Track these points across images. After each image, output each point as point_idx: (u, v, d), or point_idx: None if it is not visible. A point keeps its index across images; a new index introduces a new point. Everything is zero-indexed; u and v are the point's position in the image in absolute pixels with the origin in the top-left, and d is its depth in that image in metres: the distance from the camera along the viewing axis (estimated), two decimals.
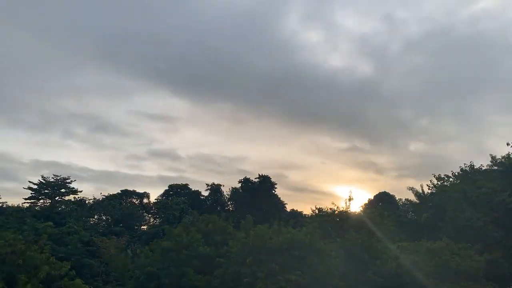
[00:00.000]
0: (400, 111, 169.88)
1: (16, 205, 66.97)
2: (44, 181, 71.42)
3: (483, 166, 58.24)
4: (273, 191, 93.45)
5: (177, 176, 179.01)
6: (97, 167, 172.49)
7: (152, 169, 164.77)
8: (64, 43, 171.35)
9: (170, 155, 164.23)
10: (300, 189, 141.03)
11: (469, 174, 58.43)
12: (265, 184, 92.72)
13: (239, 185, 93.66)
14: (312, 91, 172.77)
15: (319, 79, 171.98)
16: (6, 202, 65.47)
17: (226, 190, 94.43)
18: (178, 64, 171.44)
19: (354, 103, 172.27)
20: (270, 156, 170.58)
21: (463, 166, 60.23)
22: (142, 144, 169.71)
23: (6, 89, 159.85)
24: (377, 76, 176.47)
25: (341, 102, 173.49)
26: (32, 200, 70.77)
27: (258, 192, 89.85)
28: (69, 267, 30.16)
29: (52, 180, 72.23)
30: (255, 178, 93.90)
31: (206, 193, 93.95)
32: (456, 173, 60.61)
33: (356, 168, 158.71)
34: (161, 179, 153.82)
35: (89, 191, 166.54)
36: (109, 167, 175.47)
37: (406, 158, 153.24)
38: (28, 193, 70.78)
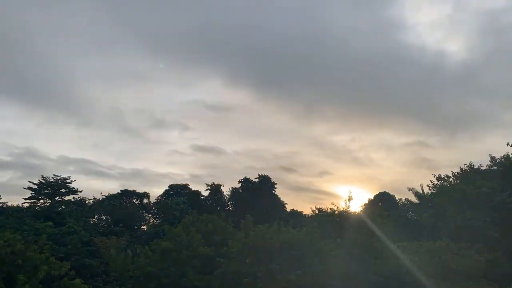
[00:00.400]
0: (490, 103, 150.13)
1: (16, 205, 67.03)
2: (44, 181, 71.49)
3: (482, 166, 58.33)
4: (273, 191, 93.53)
5: (207, 174, 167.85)
6: (128, 165, 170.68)
7: (191, 165, 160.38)
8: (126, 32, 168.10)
9: (214, 150, 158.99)
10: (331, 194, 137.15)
11: (469, 174, 58.47)
12: (265, 184, 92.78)
13: (239, 185, 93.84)
14: (403, 79, 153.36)
15: (419, 64, 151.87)
16: (6, 202, 65.52)
17: (226, 190, 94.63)
18: (250, 50, 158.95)
19: (440, 91, 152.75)
20: (322, 152, 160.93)
21: (463, 166, 60.32)
22: (189, 138, 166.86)
23: (62, 82, 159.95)
24: (484, 61, 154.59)
25: (426, 90, 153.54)
26: (32, 200, 70.84)
27: (258, 192, 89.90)
28: (69, 267, 30.13)
29: (52, 180, 72.31)
30: (255, 178, 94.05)
31: (206, 193, 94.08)
32: (456, 173, 60.67)
33: (408, 165, 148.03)
34: (192, 177, 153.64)
35: (111, 188, 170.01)
36: (142, 164, 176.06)
37: (473, 155, 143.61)
38: (28, 193, 70.97)
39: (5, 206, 64.43)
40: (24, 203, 69.83)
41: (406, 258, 35.00)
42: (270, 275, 32.38)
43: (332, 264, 33.58)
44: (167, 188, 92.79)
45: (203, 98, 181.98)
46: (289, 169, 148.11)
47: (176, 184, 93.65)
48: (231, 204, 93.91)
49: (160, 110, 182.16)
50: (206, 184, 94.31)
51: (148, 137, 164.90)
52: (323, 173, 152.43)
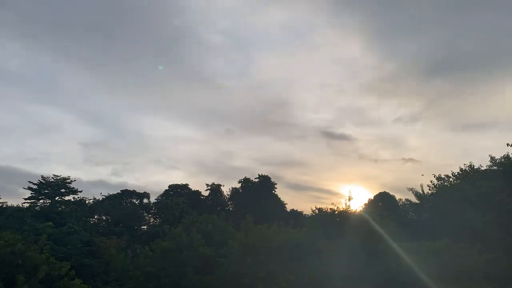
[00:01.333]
0: None
1: (16, 205, 67.02)
2: (44, 181, 71.56)
3: (482, 166, 58.25)
4: (273, 191, 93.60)
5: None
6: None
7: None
8: None
9: (343, 137, 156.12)
10: None
11: (469, 174, 58.44)
12: (265, 184, 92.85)
13: (239, 185, 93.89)
14: None
15: None
16: (6, 202, 65.49)
17: (226, 190, 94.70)
18: None
19: None
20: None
21: (463, 166, 60.29)
22: (322, 124, 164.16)
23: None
24: None
25: None
26: (32, 200, 70.91)
27: (258, 192, 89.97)
28: (69, 267, 30.09)
29: (52, 180, 72.37)
30: (255, 178, 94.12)
31: (206, 193, 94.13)
32: (456, 173, 60.64)
33: None
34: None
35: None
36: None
37: None
38: (28, 193, 71.02)
39: (5, 206, 64.39)
40: (24, 203, 69.96)
41: (406, 258, 34.99)
42: (270, 275, 32.38)
43: (332, 264, 33.57)
44: (167, 188, 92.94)
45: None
46: (410, 160, 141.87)
47: (176, 184, 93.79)
48: (231, 204, 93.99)
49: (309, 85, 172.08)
50: (206, 184, 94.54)
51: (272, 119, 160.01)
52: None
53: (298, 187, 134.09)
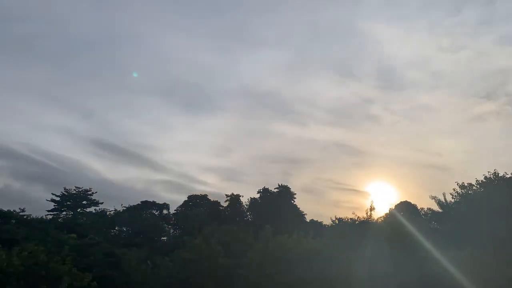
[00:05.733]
0: None
1: (39, 217, 68.20)
2: (66, 193, 72.87)
3: (507, 174, 56.81)
4: (292, 201, 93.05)
5: None
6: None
7: None
8: None
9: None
10: None
11: (493, 182, 57.04)
12: (285, 194, 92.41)
13: (258, 195, 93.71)
14: None
15: None
16: (30, 214, 66.76)
17: (245, 201, 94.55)
18: None
19: None
20: None
21: (487, 174, 58.90)
22: None
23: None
24: None
25: None
26: (55, 212, 72.19)
27: (277, 202, 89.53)
28: (90, 278, 30.49)
29: (74, 192, 73.62)
30: (275, 188, 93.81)
31: (225, 204, 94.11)
32: (480, 181, 59.26)
33: None
34: None
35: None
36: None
37: None
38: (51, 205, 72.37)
39: (29, 218, 65.63)
40: (48, 214, 71.23)
41: (429, 269, 34.28)
42: (289, 286, 32.10)
43: (353, 275, 33.10)
44: (186, 199, 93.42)
45: None
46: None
47: (195, 194, 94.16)
48: (250, 214, 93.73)
49: None
50: (226, 195, 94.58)
51: None
52: None
53: (314, 190, 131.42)
